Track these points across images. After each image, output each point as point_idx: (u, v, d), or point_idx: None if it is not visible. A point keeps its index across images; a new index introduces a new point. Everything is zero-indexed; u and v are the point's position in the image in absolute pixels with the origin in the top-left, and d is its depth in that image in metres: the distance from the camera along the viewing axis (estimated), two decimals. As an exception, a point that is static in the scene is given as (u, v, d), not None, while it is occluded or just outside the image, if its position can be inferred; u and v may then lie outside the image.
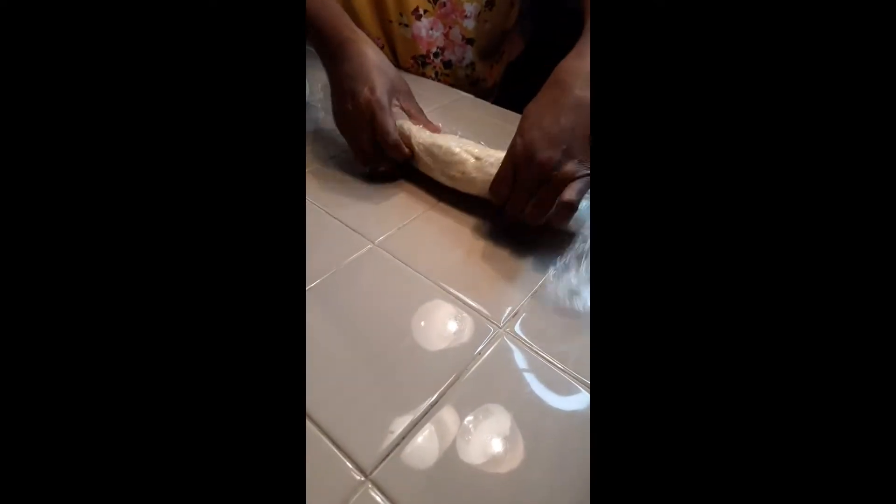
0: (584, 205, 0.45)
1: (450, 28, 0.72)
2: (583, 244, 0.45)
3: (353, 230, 0.45)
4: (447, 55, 0.75)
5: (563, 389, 0.34)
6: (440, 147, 0.47)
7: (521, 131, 0.39)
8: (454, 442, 0.31)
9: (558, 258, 0.44)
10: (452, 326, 0.38)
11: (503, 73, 0.83)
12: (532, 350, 0.36)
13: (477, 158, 0.46)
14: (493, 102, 0.69)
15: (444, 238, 0.45)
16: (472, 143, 0.49)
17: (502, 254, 0.44)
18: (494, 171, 0.43)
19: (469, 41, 0.74)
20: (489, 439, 0.31)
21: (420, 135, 0.49)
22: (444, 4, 0.69)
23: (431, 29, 0.72)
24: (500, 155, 0.44)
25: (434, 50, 0.74)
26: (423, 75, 0.75)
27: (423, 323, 0.38)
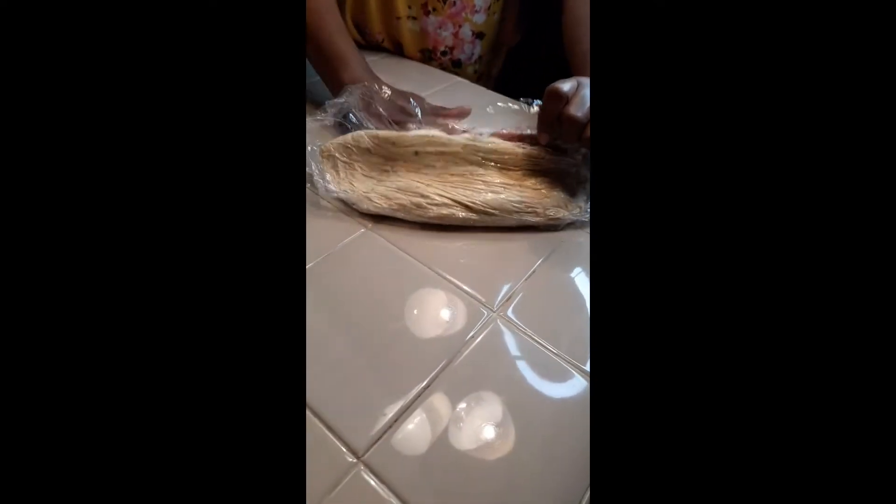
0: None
1: (459, 27, 0.72)
2: (574, 230, 0.44)
3: (347, 214, 0.44)
4: (456, 54, 0.75)
5: (557, 374, 0.33)
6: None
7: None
8: (446, 426, 0.30)
9: (551, 243, 0.42)
10: (445, 310, 0.37)
11: (503, 62, 0.82)
12: (525, 334, 0.35)
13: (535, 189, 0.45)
14: (491, 88, 0.69)
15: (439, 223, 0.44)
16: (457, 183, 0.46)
17: (496, 239, 0.43)
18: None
19: (479, 35, 0.74)
20: (481, 424, 0.30)
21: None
22: (455, 3, 0.69)
23: (440, 28, 0.71)
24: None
25: (442, 48, 0.74)
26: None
27: (415, 307, 0.37)
